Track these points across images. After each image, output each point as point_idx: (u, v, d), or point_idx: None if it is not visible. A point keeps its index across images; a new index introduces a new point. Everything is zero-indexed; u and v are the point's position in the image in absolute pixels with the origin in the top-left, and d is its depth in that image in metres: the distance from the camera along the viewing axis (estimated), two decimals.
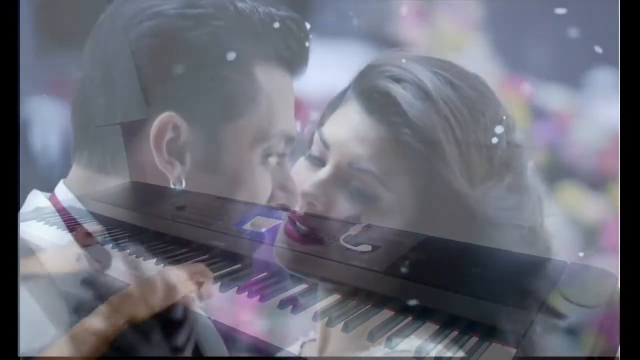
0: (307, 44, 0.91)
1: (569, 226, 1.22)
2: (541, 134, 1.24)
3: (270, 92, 0.88)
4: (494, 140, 0.93)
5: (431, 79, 0.93)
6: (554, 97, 1.22)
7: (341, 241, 0.77)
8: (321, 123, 1.01)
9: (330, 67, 1.06)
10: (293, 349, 1.06)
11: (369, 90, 0.96)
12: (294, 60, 0.91)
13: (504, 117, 0.95)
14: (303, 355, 1.05)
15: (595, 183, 1.21)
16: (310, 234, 0.81)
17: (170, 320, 0.70)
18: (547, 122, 1.25)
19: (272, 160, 0.90)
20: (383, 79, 0.95)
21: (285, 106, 0.91)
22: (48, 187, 0.92)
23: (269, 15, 0.87)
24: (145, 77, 0.85)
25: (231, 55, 0.85)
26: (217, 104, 0.86)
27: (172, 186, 0.86)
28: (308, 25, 0.91)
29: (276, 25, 0.87)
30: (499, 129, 0.94)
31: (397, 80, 0.94)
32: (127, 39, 0.85)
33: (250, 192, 0.88)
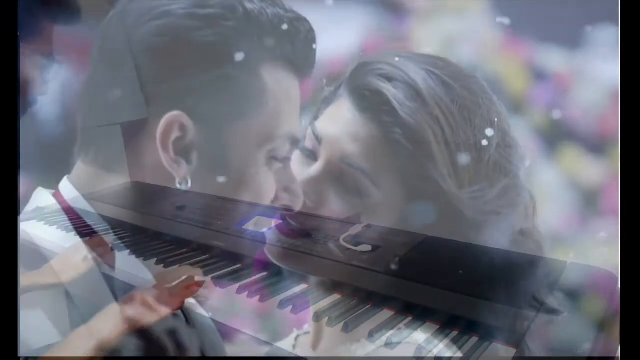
0: (314, 46, 0.91)
1: (569, 189, 1.22)
2: (541, 95, 1.23)
3: (276, 93, 0.88)
4: (484, 142, 0.93)
5: (423, 78, 0.93)
6: (554, 58, 1.22)
7: (341, 241, 0.77)
8: (315, 117, 1.02)
9: (330, 31, 1.06)
10: (288, 342, 1.07)
11: (361, 88, 0.96)
12: (300, 62, 0.91)
13: (496, 119, 0.96)
14: (297, 347, 1.05)
15: (595, 145, 1.21)
16: (299, 230, 0.82)
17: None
18: (547, 84, 1.25)
19: (277, 161, 0.90)
20: (375, 77, 0.95)
21: (291, 108, 0.91)
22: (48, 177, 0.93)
23: (278, 17, 0.87)
24: (153, 76, 0.85)
25: (239, 56, 0.85)
26: (224, 104, 0.86)
27: (178, 185, 0.86)
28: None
29: (284, 27, 0.87)
30: (489, 132, 0.94)
31: (389, 78, 0.94)
32: (135, 38, 0.85)
33: (255, 192, 0.88)
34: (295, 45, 0.89)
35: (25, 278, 0.76)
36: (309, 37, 0.90)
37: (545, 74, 1.23)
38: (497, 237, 0.94)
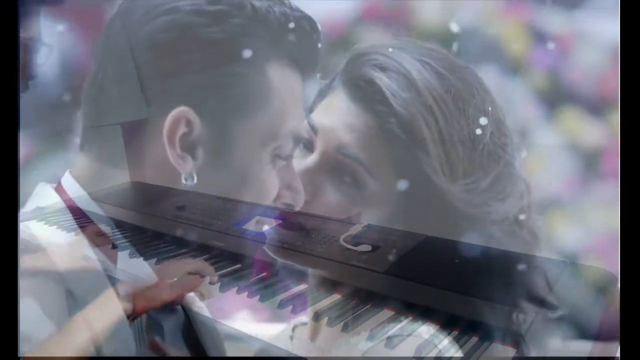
0: (319, 45, 0.91)
1: (569, 152, 1.22)
2: (541, 58, 1.23)
3: (282, 91, 0.89)
4: (478, 131, 0.94)
5: (417, 68, 0.94)
6: (554, 20, 1.22)
7: (341, 241, 0.77)
8: (311, 110, 1.02)
9: None
10: (285, 333, 1.07)
11: (355, 78, 0.97)
12: (305, 60, 0.91)
13: (490, 109, 0.96)
14: (295, 338, 1.05)
15: (595, 107, 1.21)
16: (299, 227, 0.82)
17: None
18: (548, 46, 1.24)
19: (281, 159, 0.91)
20: (369, 68, 0.96)
21: (295, 106, 0.92)
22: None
23: (284, 15, 0.88)
24: (159, 72, 0.86)
25: (247, 53, 0.85)
26: (230, 101, 0.86)
27: (183, 181, 0.86)
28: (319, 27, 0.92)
29: (291, 25, 0.88)
30: (483, 121, 0.94)
31: (383, 69, 0.95)
32: (142, 34, 0.86)
33: (258, 189, 0.89)
34: (300, 43, 0.89)
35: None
36: (314, 35, 0.90)
37: (545, 36, 1.23)
38: (491, 228, 0.95)
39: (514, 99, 1.06)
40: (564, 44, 1.24)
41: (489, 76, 1.05)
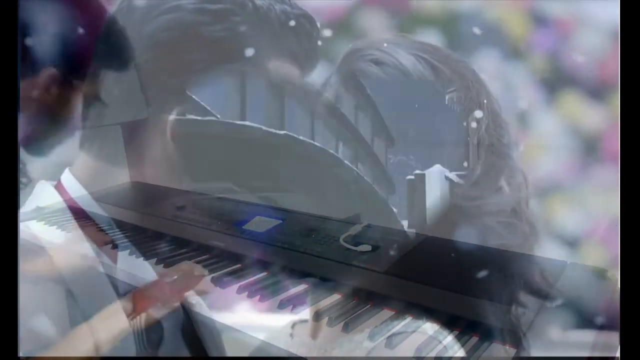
0: (319, 42, 0.91)
1: (569, 136, 1.22)
2: (542, 41, 1.23)
3: (282, 89, 0.89)
4: (473, 125, 0.94)
5: (413, 62, 0.94)
6: (554, 3, 1.21)
7: (341, 241, 0.77)
8: None
9: None
10: (284, 331, 1.06)
11: (351, 74, 0.97)
12: (305, 58, 0.91)
13: (486, 101, 0.96)
14: (295, 336, 1.05)
15: (596, 91, 1.20)
16: (297, 225, 0.82)
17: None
18: (548, 29, 1.24)
19: None
20: (365, 62, 0.96)
21: None
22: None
23: (285, 14, 0.88)
24: (162, 71, 0.86)
25: (250, 51, 0.85)
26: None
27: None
28: (318, 25, 0.92)
29: (292, 23, 0.88)
30: (478, 114, 0.94)
31: (378, 63, 0.95)
32: (143, 33, 0.86)
33: None
34: (301, 41, 0.90)
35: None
36: (314, 33, 0.91)
37: (546, 19, 1.23)
38: (488, 220, 0.95)
39: (514, 83, 1.05)
40: (564, 27, 1.23)
41: (489, 60, 1.05)
